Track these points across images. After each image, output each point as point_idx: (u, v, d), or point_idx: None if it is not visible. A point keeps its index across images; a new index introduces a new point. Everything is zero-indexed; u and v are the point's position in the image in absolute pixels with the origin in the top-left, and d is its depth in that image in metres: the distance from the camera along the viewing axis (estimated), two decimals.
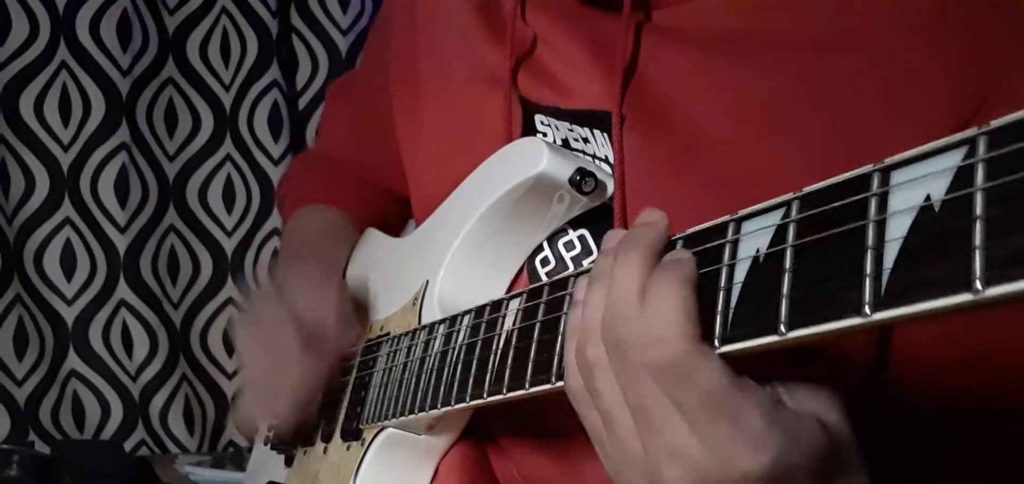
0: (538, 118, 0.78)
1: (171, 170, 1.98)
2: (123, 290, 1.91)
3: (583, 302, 0.51)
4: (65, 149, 1.87)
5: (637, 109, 0.70)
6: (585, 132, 0.74)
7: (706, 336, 0.46)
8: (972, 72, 0.59)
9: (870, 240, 0.38)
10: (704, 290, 0.48)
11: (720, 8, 0.68)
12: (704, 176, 0.66)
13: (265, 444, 1.04)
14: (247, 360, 0.88)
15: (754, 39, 0.66)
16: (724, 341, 0.46)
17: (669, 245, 0.50)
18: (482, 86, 0.81)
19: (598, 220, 0.73)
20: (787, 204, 0.44)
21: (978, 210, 0.33)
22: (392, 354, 0.82)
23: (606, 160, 0.73)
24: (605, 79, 0.71)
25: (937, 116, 0.59)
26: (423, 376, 0.74)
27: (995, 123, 0.34)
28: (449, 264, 0.80)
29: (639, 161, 0.70)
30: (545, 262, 0.77)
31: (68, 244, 1.88)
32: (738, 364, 0.46)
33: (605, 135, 0.72)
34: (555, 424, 0.75)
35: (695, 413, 0.45)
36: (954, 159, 0.35)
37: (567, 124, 0.75)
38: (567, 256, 0.76)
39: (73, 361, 1.90)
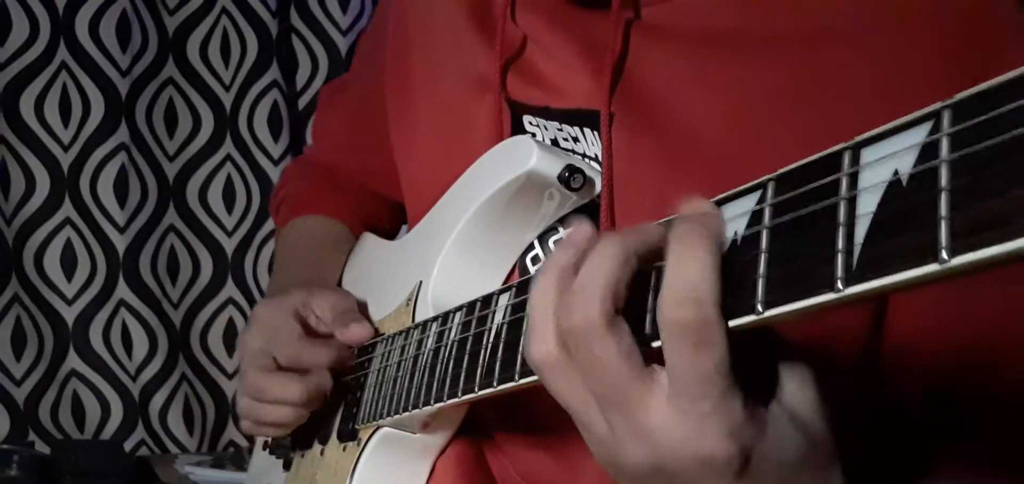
0: (526, 119, 0.78)
1: (171, 170, 1.98)
2: (122, 290, 1.91)
3: (529, 294, 0.50)
4: (65, 149, 1.87)
5: (627, 106, 0.70)
6: (575, 131, 0.74)
7: None
8: (966, 65, 0.59)
9: (842, 217, 0.39)
10: None
11: (710, 4, 0.68)
12: (694, 172, 0.66)
13: (264, 448, 1.05)
14: (242, 373, 0.90)
15: (745, 35, 0.66)
16: None
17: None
18: (472, 89, 0.81)
19: (589, 218, 0.73)
20: (763, 186, 0.45)
21: (943, 182, 0.34)
22: (386, 354, 0.83)
23: (596, 158, 0.73)
24: (595, 78, 0.72)
25: None
26: (416, 374, 0.74)
27: (958, 96, 0.34)
28: (442, 263, 0.80)
29: (628, 158, 0.70)
30: (536, 260, 0.78)
31: (69, 244, 1.89)
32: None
33: (595, 134, 0.72)
34: (551, 421, 0.75)
35: (693, 382, 0.44)
36: (920, 134, 0.36)
37: (556, 124, 0.76)
38: None
39: (73, 361, 1.90)
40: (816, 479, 0.48)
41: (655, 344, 0.46)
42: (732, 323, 0.44)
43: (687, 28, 0.69)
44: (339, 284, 1.04)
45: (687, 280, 0.43)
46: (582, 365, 0.47)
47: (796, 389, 0.48)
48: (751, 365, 0.46)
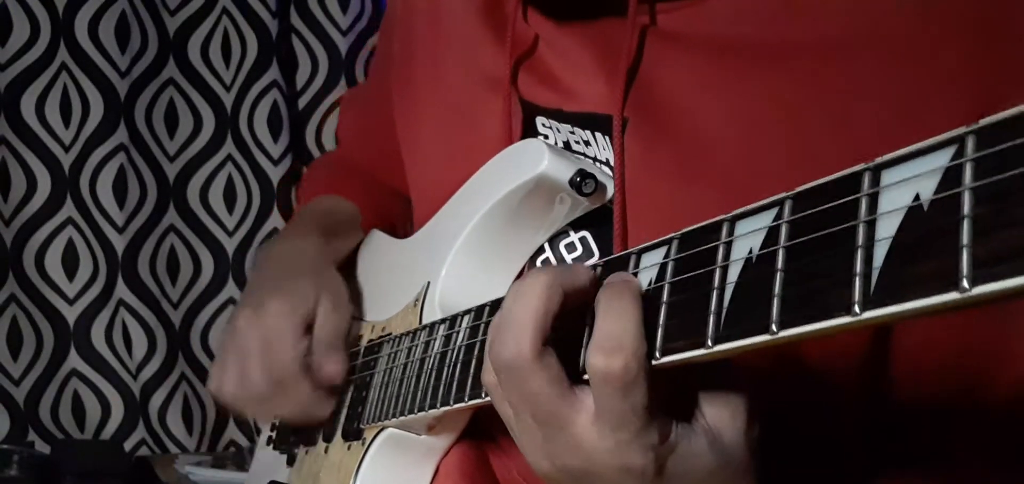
0: (540, 120, 0.77)
1: (171, 170, 1.98)
2: (121, 290, 1.91)
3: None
4: (66, 149, 1.87)
5: (640, 112, 0.69)
6: (586, 135, 0.74)
7: (698, 334, 0.47)
8: (986, 86, 0.58)
9: (860, 239, 0.38)
10: (697, 290, 0.48)
11: (727, 12, 0.67)
12: (707, 181, 0.66)
13: (267, 444, 1.05)
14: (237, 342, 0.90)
15: (763, 45, 0.65)
16: (717, 340, 0.46)
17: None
18: (482, 88, 0.81)
19: (600, 222, 0.73)
20: (780, 204, 0.44)
21: (966, 209, 0.33)
22: (393, 355, 0.82)
23: (607, 163, 0.72)
24: (608, 82, 0.71)
25: (951, 124, 0.58)
26: (423, 376, 0.74)
27: (983, 122, 0.34)
28: (450, 265, 0.80)
29: (641, 164, 0.69)
30: (546, 264, 0.77)
31: (70, 243, 1.88)
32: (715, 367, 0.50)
33: (607, 138, 0.72)
34: None
35: (614, 417, 0.51)
36: (943, 158, 0.35)
37: (569, 126, 0.75)
38: (568, 257, 0.75)
39: (74, 361, 1.90)
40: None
41: (586, 377, 0.52)
42: (744, 343, 0.44)
43: (704, 36, 0.68)
44: (351, 271, 1.03)
45: (614, 333, 0.49)
46: (516, 391, 0.54)
47: (722, 414, 0.53)
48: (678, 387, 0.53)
